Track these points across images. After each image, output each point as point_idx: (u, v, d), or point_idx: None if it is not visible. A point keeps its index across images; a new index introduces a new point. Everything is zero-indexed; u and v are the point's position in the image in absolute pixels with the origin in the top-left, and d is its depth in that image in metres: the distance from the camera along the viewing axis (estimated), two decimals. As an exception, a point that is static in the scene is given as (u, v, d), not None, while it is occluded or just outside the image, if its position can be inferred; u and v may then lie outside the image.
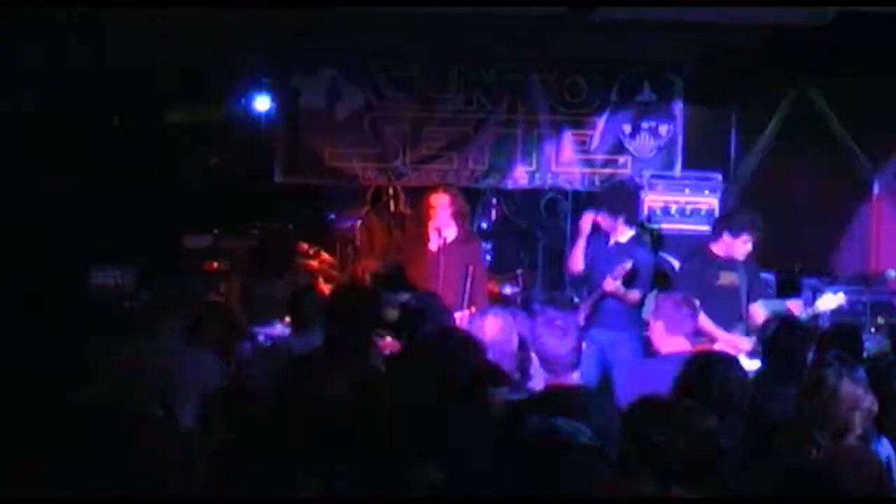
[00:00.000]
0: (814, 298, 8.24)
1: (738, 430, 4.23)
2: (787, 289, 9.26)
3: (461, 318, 6.84)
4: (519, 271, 10.33)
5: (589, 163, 10.34)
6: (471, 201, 8.50)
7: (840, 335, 5.78)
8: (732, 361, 4.50)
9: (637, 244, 7.71)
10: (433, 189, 8.19)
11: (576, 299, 9.55)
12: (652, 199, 9.49)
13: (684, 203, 9.52)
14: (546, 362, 4.79)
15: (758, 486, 3.99)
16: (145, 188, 9.89)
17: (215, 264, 9.14)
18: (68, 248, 8.26)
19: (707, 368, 4.33)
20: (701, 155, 10.27)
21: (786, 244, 9.55)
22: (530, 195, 10.78)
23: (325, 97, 10.08)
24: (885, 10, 7.60)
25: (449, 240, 7.67)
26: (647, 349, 7.28)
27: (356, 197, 11.12)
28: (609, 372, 7.29)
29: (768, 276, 9.17)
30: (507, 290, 9.97)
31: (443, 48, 9.79)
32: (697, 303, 7.04)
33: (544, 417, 3.86)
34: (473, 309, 7.25)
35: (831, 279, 9.12)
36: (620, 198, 7.85)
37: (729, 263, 7.43)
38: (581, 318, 7.20)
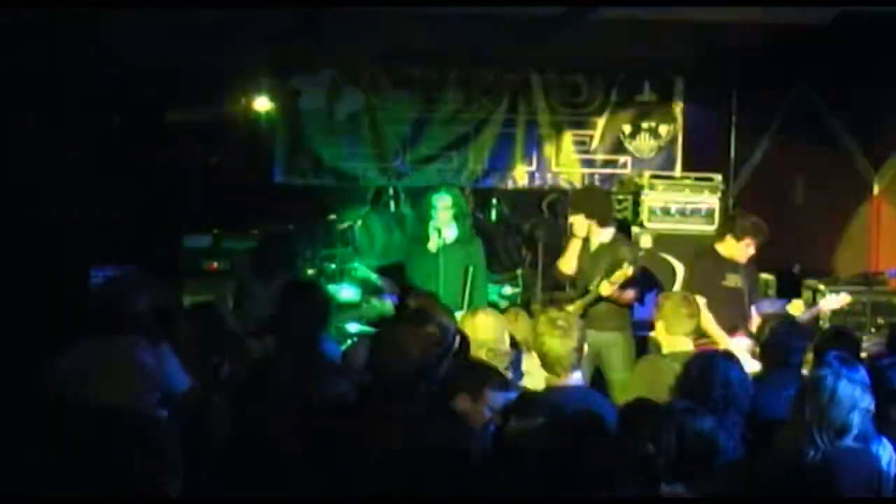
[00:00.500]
0: (814, 299, 8.24)
1: (738, 430, 4.23)
2: (787, 289, 9.25)
3: (461, 318, 6.83)
4: (519, 271, 10.33)
5: (589, 163, 10.35)
6: (471, 201, 8.52)
7: (837, 336, 5.78)
8: (733, 361, 4.50)
9: (621, 243, 7.72)
10: (435, 189, 8.20)
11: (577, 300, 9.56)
12: (652, 199, 9.49)
13: (684, 203, 9.51)
14: (547, 362, 4.79)
15: (758, 487, 3.99)
16: (145, 188, 9.89)
17: (215, 264, 9.13)
18: (68, 248, 8.26)
19: (708, 368, 4.33)
20: (701, 155, 10.27)
21: (786, 244, 9.54)
22: (530, 195, 10.78)
23: (325, 97, 10.09)
24: (885, 11, 7.60)
25: (449, 240, 7.67)
26: (640, 349, 7.29)
27: (356, 197, 11.12)
28: (602, 373, 7.30)
29: (769, 277, 9.17)
30: (507, 290, 9.97)
31: (443, 48, 9.79)
32: (704, 301, 7.08)
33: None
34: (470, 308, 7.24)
35: (831, 279, 9.11)
36: (589, 200, 7.83)
37: (733, 265, 7.44)
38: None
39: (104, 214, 8.90)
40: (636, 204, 9.56)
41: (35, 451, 3.50)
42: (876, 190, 9.36)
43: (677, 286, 8.33)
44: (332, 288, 8.76)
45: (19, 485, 3.42)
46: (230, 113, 10.42)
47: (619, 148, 10.37)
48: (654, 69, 10.27)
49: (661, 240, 9.26)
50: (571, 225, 7.74)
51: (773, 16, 8.27)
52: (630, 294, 7.45)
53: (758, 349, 5.68)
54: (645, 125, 10.37)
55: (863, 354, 6.30)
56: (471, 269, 7.67)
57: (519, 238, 11.12)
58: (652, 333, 6.12)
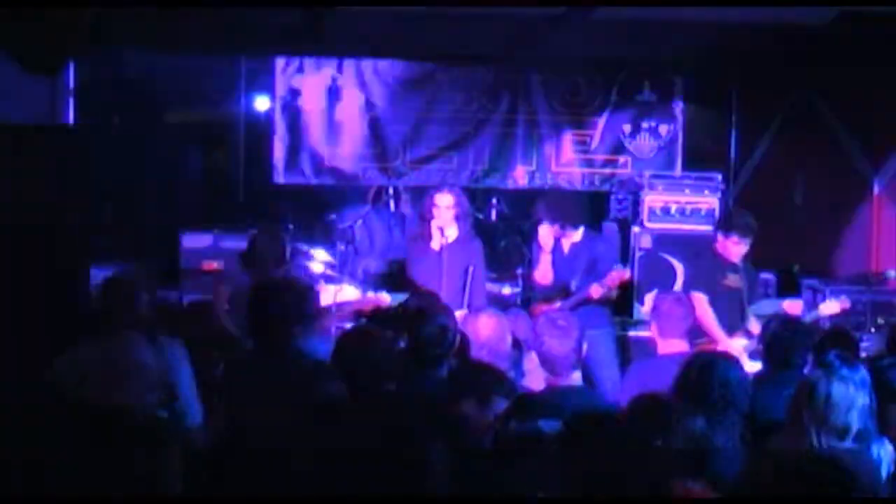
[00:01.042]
0: (814, 299, 8.24)
1: (737, 430, 4.22)
2: (787, 289, 9.25)
3: (461, 317, 6.83)
4: (519, 271, 10.32)
5: (589, 163, 10.36)
6: (471, 201, 8.50)
7: (836, 337, 5.77)
8: (732, 362, 4.50)
9: (592, 239, 7.73)
10: (437, 188, 8.20)
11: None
12: (652, 199, 9.49)
13: (684, 203, 9.51)
14: (547, 362, 4.78)
15: (757, 487, 3.98)
16: (145, 188, 9.90)
17: (215, 264, 9.13)
18: (68, 247, 8.25)
19: (707, 369, 4.32)
20: (701, 155, 10.28)
21: (786, 244, 9.55)
22: (530, 195, 10.78)
23: (325, 97, 10.09)
24: (885, 11, 7.59)
25: (450, 239, 7.67)
26: (638, 349, 7.30)
27: (356, 197, 11.13)
28: (588, 370, 7.29)
29: (768, 276, 9.16)
30: (507, 290, 9.96)
31: (443, 48, 9.79)
32: (706, 299, 7.08)
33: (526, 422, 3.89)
34: (471, 308, 7.24)
35: (831, 279, 9.11)
36: (551, 206, 7.84)
37: (732, 265, 7.43)
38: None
39: (104, 214, 8.91)
40: (636, 204, 9.56)
41: (34, 451, 3.50)
42: (876, 190, 9.36)
43: (677, 286, 8.34)
44: (330, 287, 8.75)
45: (17, 484, 3.42)
46: (230, 113, 10.42)
47: (619, 148, 10.38)
48: (654, 69, 10.28)
49: (661, 240, 9.26)
50: (538, 235, 7.72)
51: (773, 16, 8.26)
52: (614, 292, 7.46)
53: (762, 347, 5.66)
54: (645, 125, 10.37)
55: (862, 354, 6.30)
56: (471, 269, 7.67)
57: (519, 238, 11.12)
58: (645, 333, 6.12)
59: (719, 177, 9.74)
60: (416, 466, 3.19)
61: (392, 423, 3.20)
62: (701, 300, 7.04)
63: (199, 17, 8.33)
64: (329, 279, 9.46)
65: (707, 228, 9.19)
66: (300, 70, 10.07)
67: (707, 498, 3.71)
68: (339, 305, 7.96)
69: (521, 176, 10.36)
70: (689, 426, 3.74)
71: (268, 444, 3.90)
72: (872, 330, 8.10)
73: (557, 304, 7.31)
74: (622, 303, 8.37)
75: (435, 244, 7.64)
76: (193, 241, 9.48)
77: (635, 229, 9.39)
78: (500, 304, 9.05)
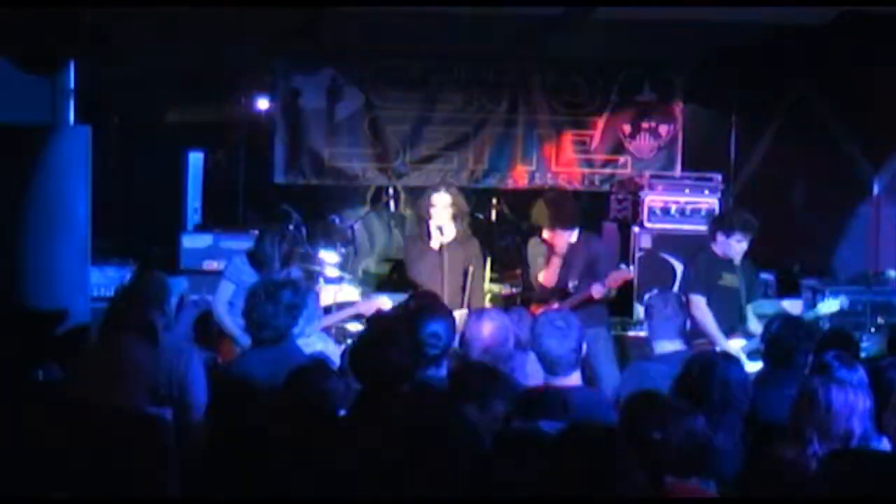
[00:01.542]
0: (814, 299, 8.23)
1: (737, 430, 4.22)
2: (787, 289, 9.25)
3: (461, 317, 6.83)
4: (519, 271, 10.32)
5: (589, 163, 10.35)
6: (471, 201, 8.51)
7: (835, 338, 5.77)
8: (732, 362, 4.49)
9: (589, 239, 7.74)
10: (434, 188, 8.20)
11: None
12: (652, 199, 9.48)
13: (684, 203, 9.50)
14: (545, 362, 4.78)
15: (757, 487, 3.99)
16: (145, 188, 9.90)
17: (215, 264, 9.12)
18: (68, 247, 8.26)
19: (707, 369, 4.32)
20: (701, 155, 10.27)
21: (786, 244, 9.55)
22: (530, 195, 10.77)
23: (325, 97, 10.09)
24: (885, 11, 7.59)
25: (449, 239, 7.67)
26: (637, 349, 7.30)
27: (356, 197, 11.13)
28: (586, 370, 7.28)
29: (768, 276, 9.16)
30: (507, 290, 9.96)
31: (443, 48, 9.80)
32: (703, 300, 7.07)
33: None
34: (472, 308, 7.24)
35: (831, 279, 9.11)
36: (560, 212, 7.87)
37: (730, 264, 7.43)
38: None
39: (104, 214, 8.90)
40: (636, 204, 9.56)
41: (34, 451, 3.50)
42: (876, 190, 9.36)
43: (677, 286, 8.33)
44: (330, 287, 8.76)
45: (18, 485, 3.42)
46: (230, 113, 10.42)
47: (619, 148, 10.38)
48: (654, 69, 10.27)
49: (661, 240, 9.26)
50: (544, 243, 7.72)
51: (773, 16, 8.26)
52: (613, 293, 7.47)
53: (763, 347, 5.66)
54: (645, 125, 10.37)
55: (862, 355, 6.30)
56: (471, 269, 7.67)
57: (519, 238, 11.12)
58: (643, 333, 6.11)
59: (719, 177, 9.73)
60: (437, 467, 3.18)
61: (411, 424, 3.19)
62: (698, 302, 7.04)
63: (198, 17, 8.33)
64: (329, 279, 9.47)
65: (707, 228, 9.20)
66: (300, 70, 10.06)
67: (706, 498, 3.72)
68: (340, 306, 7.97)
69: (521, 176, 10.36)
70: (689, 424, 3.74)
71: (268, 445, 3.90)
72: (872, 330, 8.10)
73: (556, 305, 7.31)
74: (622, 303, 8.37)
75: (434, 244, 7.64)
76: (193, 241, 9.49)
77: (635, 229, 9.39)
78: (501, 304, 9.06)
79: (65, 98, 8.54)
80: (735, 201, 9.94)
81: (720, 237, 7.41)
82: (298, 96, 10.08)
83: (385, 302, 7.15)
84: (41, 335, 6.18)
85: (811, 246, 9.85)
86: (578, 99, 10.30)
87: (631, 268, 7.47)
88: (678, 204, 9.49)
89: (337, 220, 10.95)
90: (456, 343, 5.36)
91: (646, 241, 9.29)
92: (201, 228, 9.94)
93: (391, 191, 11.00)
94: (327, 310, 7.67)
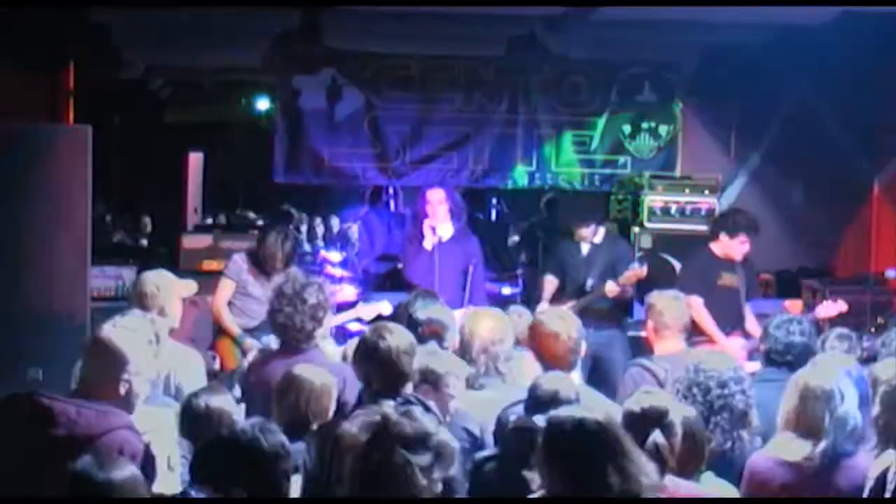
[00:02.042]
0: (814, 299, 8.23)
1: (735, 431, 4.21)
2: (787, 289, 9.25)
3: (460, 317, 6.84)
4: (519, 271, 10.33)
5: (589, 163, 10.35)
6: (471, 201, 8.51)
7: (838, 337, 5.75)
8: (730, 362, 4.49)
9: (614, 240, 7.75)
10: (428, 185, 8.21)
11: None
12: (652, 199, 9.48)
13: (684, 203, 9.50)
14: (545, 361, 4.78)
15: (756, 487, 3.98)
16: (145, 188, 9.92)
17: (215, 264, 9.14)
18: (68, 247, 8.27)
19: (704, 368, 4.32)
20: (701, 155, 10.27)
21: (786, 244, 9.55)
22: (530, 195, 10.78)
23: (325, 97, 10.09)
24: (885, 10, 7.60)
25: (445, 237, 7.66)
26: (636, 348, 7.29)
27: (356, 197, 11.13)
28: (602, 371, 7.30)
29: (768, 276, 9.16)
30: (507, 290, 9.97)
31: (443, 48, 9.79)
32: (701, 301, 7.07)
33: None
34: (472, 307, 7.24)
35: (831, 279, 9.11)
36: (597, 206, 7.94)
37: (729, 264, 7.43)
38: None
39: (104, 214, 8.91)
40: (636, 204, 9.56)
41: (31, 451, 3.50)
42: (876, 190, 9.37)
43: (676, 286, 8.32)
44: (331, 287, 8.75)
45: (17, 485, 3.42)
46: (230, 113, 10.43)
47: (619, 148, 10.37)
48: (654, 69, 10.26)
49: (661, 240, 9.26)
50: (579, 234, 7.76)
51: (773, 16, 8.26)
52: (629, 292, 7.48)
53: (761, 346, 5.65)
54: (645, 125, 10.36)
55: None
56: (471, 268, 7.66)
57: (519, 238, 11.12)
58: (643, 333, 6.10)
59: (719, 177, 9.74)
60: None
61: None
62: (696, 302, 7.04)
63: (199, 18, 8.34)
64: (330, 279, 9.47)
65: (707, 229, 9.20)
66: (300, 70, 10.06)
67: (706, 498, 3.72)
68: (340, 306, 7.97)
69: (521, 176, 10.36)
70: (685, 424, 3.74)
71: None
72: (872, 330, 8.09)
73: (570, 304, 7.33)
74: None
75: (427, 244, 7.64)
76: (193, 241, 9.50)
77: (635, 229, 9.39)
78: (501, 303, 9.06)
79: (65, 98, 8.56)
80: (735, 201, 9.93)
81: (723, 237, 7.41)
82: (298, 96, 10.07)
83: (386, 306, 7.15)
84: (41, 335, 6.20)
85: (811, 246, 9.85)
86: (578, 99, 10.29)
87: (643, 266, 7.44)
88: (678, 204, 9.49)
89: (337, 220, 10.97)
90: (456, 343, 5.36)
91: (646, 241, 9.29)
92: (201, 228, 9.95)
93: (391, 191, 11.00)
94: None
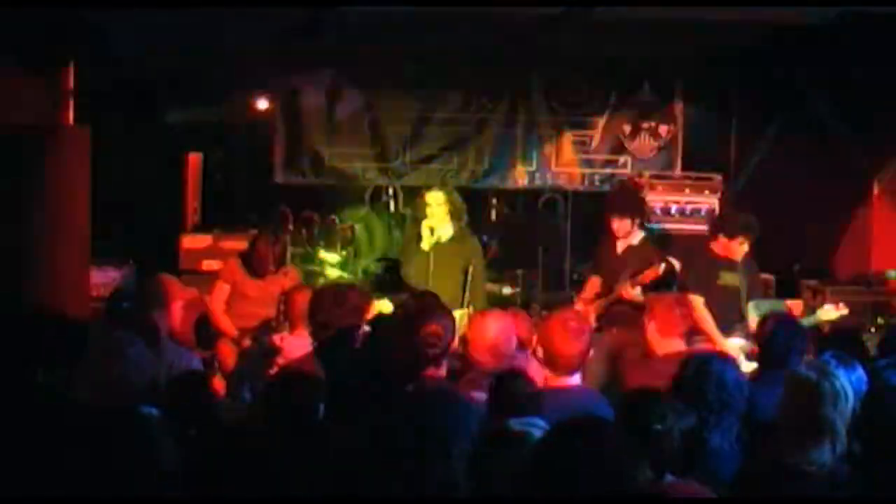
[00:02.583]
0: (814, 299, 8.23)
1: (733, 432, 4.21)
2: (787, 289, 9.25)
3: (460, 317, 6.84)
4: (519, 271, 10.33)
5: (589, 163, 10.35)
6: (471, 201, 8.51)
7: (840, 337, 5.76)
8: (729, 362, 4.49)
9: (649, 246, 7.70)
10: (428, 187, 8.21)
11: (575, 298, 9.56)
12: (652, 199, 9.48)
13: (684, 203, 9.51)
14: (549, 360, 4.76)
15: (754, 487, 3.98)
16: (145, 188, 9.90)
17: (215, 264, 9.14)
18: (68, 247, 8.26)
19: (703, 369, 4.32)
20: (701, 155, 10.27)
21: (786, 244, 9.55)
22: (530, 195, 10.78)
23: (325, 97, 10.09)
24: (885, 10, 7.59)
25: (444, 238, 7.66)
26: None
27: (356, 197, 11.13)
28: (618, 371, 7.29)
29: (768, 276, 9.16)
30: (507, 290, 9.97)
31: (443, 48, 9.79)
32: (702, 300, 7.07)
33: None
34: (472, 308, 7.25)
35: (831, 279, 9.11)
36: (628, 198, 7.88)
37: (729, 264, 7.43)
38: (592, 319, 7.23)
39: (104, 214, 8.91)
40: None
41: (32, 451, 3.50)
42: (876, 190, 9.37)
43: (676, 286, 8.32)
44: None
45: (16, 485, 3.42)
46: (230, 113, 10.42)
47: (619, 148, 10.38)
48: (654, 69, 10.27)
49: (661, 240, 9.25)
50: (610, 227, 7.72)
51: (773, 16, 8.26)
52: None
53: (758, 347, 5.65)
54: (645, 125, 10.37)
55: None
56: (469, 269, 7.66)
57: (519, 238, 11.11)
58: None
59: (719, 177, 9.74)
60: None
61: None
62: (696, 302, 7.04)
63: (199, 17, 8.33)
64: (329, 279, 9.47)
65: (707, 229, 9.20)
66: (300, 70, 10.06)
67: (706, 498, 3.71)
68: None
69: (521, 176, 10.36)
70: (680, 424, 3.74)
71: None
72: (872, 330, 8.09)
73: (600, 302, 7.33)
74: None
75: (425, 245, 7.64)
76: (193, 241, 9.50)
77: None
78: (501, 304, 9.06)
79: (65, 98, 8.56)
80: (735, 201, 9.93)
81: (722, 238, 7.41)
82: (298, 96, 10.08)
83: (385, 306, 7.16)
84: (42, 336, 6.18)
85: (811, 246, 9.84)
86: (578, 99, 10.30)
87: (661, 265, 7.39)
88: (678, 204, 9.50)
89: (337, 220, 10.96)
90: (456, 343, 5.36)
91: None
92: (201, 228, 9.95)
93: (391, 191, 11.00)
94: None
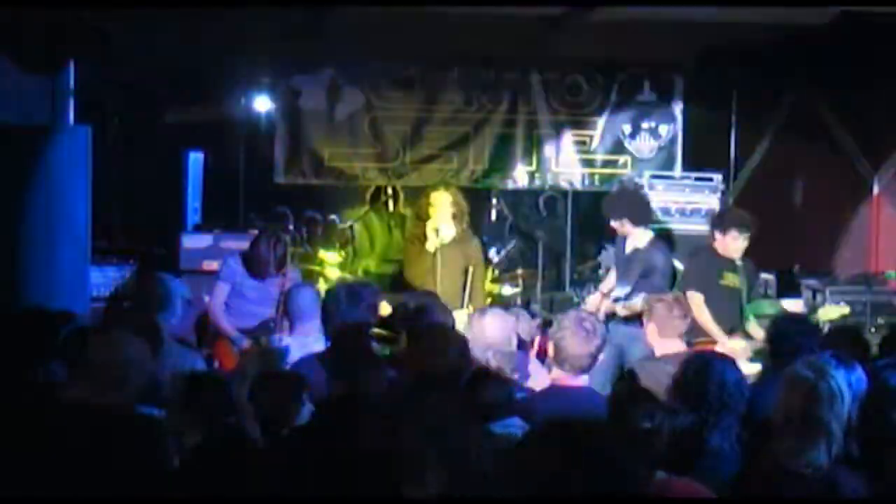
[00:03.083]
0: (814, 299, 8.22)
1: (733, 432, 4.21)
2: (787, 289, 9.24)
3: (461, 317, 6.84)
4: (519, 271, 10.33)
5: (589, 163, 10.35)
6: (471, 201, 8.52)
7: (842, 337, 5.74)
8: (729, 363, 4.48)
9: (654, 247, 7.69)
10: (433, 188, 8.21)
11: (575, 299, 9.57)
12: (652, 199, 9.47)
13: (684, 203, 9.51)
14: (559, 357, 4.76)
15: (754, 487, 3.97)
16: (145, 188, 9.90)
17: (215, 264, 9.14)
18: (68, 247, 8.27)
19: (704, 370, 4.31)
20: (701, 155, 10.28)
21: (786, 244, 9.54)
22: (530, 195, 10.79)
23: (325, 97, 10.09)
24: (885, 11, 7.59)
25: (447, 239, 7.67)
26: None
27: (356, 197, 11.12)
28: (624, 368, 7.28)
29: (768, 276, 9.16)
30: (507, 290, 9.97)
31: (443, 48, 9.79)
32: (702, 298, 7.07)
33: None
34: (472, 308, 7.25)
35: (831, 279, 9.11)
36: (622, 201, 7.88)
37: (730, 263, 7.43)
38: (602, 312, 7.24)
39: (104, 214, 8.92)
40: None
41: (31, 451, 3.50)
42: (876, 190, 9.36)
43: (677, 286, 8.32)
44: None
45: (15, 485, 3.42)
46: (230, 113, 10.42)
47: (619, 148, 10.37)
48: (654, 69, 10.27)
49: (661, 240, 9.24)
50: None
51: (772, 16, 8.26)
52: (637, 305, 7.45)
53: (768, 345, 5.64)
54: (645, 125, 10.37)
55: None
56: (470, 269, 7.67)
57: (519, 238, 11.13)
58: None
59: (719, 177, 9.74)
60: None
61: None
62: (696, 300, 7.04)
63: (198, 18, 8.33)
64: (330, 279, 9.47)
65: (707, 229, 9.19)
66: (300, 70, 10.06)
67: (706, 498, 3.71)
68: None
69: (521, 176, 10.36)
70: (677, 425, 3.74)
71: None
72: (872, 330, 8.09)
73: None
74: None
75: (430, 245, 7.65)
76: (193, 241, 9.50)
77: (635, 229, 9.37)
78: (501, 304, 9.06)
79: (65, 98, 8.55)
80: (735, 201, 9.94)
81: (718, 236, 7.43)
82: (298, 96, 10.07)
83: (384, 306, 7.16)
84: (42, 335, 6.18)
85: (811, 246, 9.84)
86: (578, 99, 10.29)
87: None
88: (678, 204, 9.50)
89: (337, 220, 10.96)
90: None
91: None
92: (201, 228, 9.95)
93: (391, 191, 11.00)
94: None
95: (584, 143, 10.34)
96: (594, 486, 2.92)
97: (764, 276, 8.80)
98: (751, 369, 5.90)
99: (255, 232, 8.63)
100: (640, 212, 7.79)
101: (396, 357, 5.34)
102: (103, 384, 3.76)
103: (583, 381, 4.79)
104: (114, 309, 5.85)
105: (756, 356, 6.64)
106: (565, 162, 10.36)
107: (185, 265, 9.29)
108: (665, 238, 9.18)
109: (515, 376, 5.12)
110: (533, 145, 10.31)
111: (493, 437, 3.68)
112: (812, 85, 9.60)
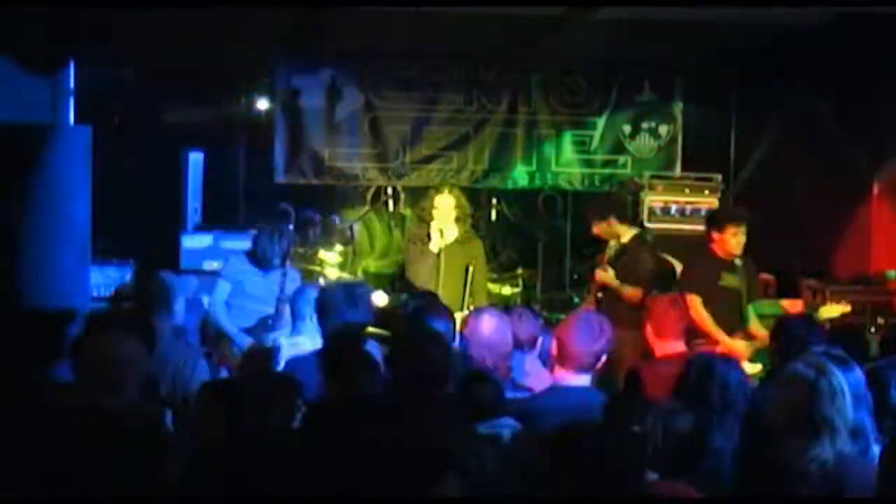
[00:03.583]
0: (814, 299, 8.23)
1: (735, 432, 4.21)
2: (787, 289, 9.24)
3: (461, 318, 6.84)
4: (519, 271, 10.33)
5: (589, 163, 10.34)
6: (471, 201, 8.53)
7: (843, 336, 5.75)
8: (731, 364, 4.49)
9: (637, 243, 7.74)
10: (437, 190, 8.22)
11: (576, 299, 9.58)
12: (652, 199, 9.48)
13: (684, 203, 9.51)
14: (563, 354, 4.75)
15: (756, 488, 3.98)
16: (145, 188, 9.91)
17: (215, 264, 9.15)
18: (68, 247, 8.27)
19: (706, 370, 4.32)
20: (701, 155, 10.27)
21: (786, 244, 9.55)
22: (530, 195, 10.78)
23: (325, 97, 10.08)
24: (885, 11, 7.60)
25: (449, 240, 7.69)
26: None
27: (356, 197, 11.12)
28: (612, 370, 7.29)
29: (768, 276, 9.16)
30: (507, 290, 9.97)
31: (443, 48, 9.79)
32: (699, 300, 7.08)
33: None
34: (472, 307, 7.26)
35: (831, 279, 9.11)
36: (600, 202, 7.94)
37: (730, 264, 7.43)
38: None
39: (104, 214, 8.92)
40: (636, 204, 9.55)
41: (30, 451, 3.50)
42: (876, 190, 9.37)
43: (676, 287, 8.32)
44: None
45: (13, 485, 3.42)
46: (230, 113, 10.42)
47: (619, 148, 10.37)
48: (654, 69, 10.26)
49: (661, 240, 9.25)
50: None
51: (772, 16, 8.27)
52: (630, 290, 7.48)
53: (774, 345, 5.64)
54: (645, 125, 10.36)
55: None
56: (471, 269, 7.68)
57: (519, 238, 11.12)
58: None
59: (719, 177, 9.74)
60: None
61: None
62: (695, 301, 7.04)
63: (198, 17, 8.33)
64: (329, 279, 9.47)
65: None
66: (300, 70, 10.06)
67: (705, 498, 3.71)
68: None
69: (521, 176, 10.35)
70: (677, 425, 3.74)
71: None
72: (872, 330, 8.10)
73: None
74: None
75: (433, 246, 7.66)
76: (193, 241, 9.50)
77: (635, 229, 9.38)
78: (502, 304, 9.07)
79: (65, 98, 8.56)
80: (735, 201, 9.94)
81: (715, 235, 7.43)
82: (298, 96, 10.06)
83: (381, 297, 7.17)
84: (41, 335, 6.18)
85: (811, 246, 9.84)
86: (578, 99, 10.29)
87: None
88: (678, 204, 9.50)
89: (337, 220, 10.96)
90: (456, 343, 5.37)
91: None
92: (201, 228, 9.95)
93: (391, 191, 11.00)
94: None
95: (583, 143, 10.34)
96: (585, 487, 2.93)
97: (764, 276, 8.80)
98: (751, 370, 5.90)
99: (255, 232, 8.65)
100: (610, 207, 7.87)
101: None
102: (102, 384, 3.76)
103: (584, 380, 4.79)
104: (109, 309, 5.86)
105: (757, 356, 6.65)
106: (565, 162, 10.36)
107: (185, 265, 9.30)
108: (665, 238, 9.22)
109: (511, 376, 5.13)
110: (533, 145, 10.30)
111: (477, 438, 3.69)
112: (812, 85, 9.60)
